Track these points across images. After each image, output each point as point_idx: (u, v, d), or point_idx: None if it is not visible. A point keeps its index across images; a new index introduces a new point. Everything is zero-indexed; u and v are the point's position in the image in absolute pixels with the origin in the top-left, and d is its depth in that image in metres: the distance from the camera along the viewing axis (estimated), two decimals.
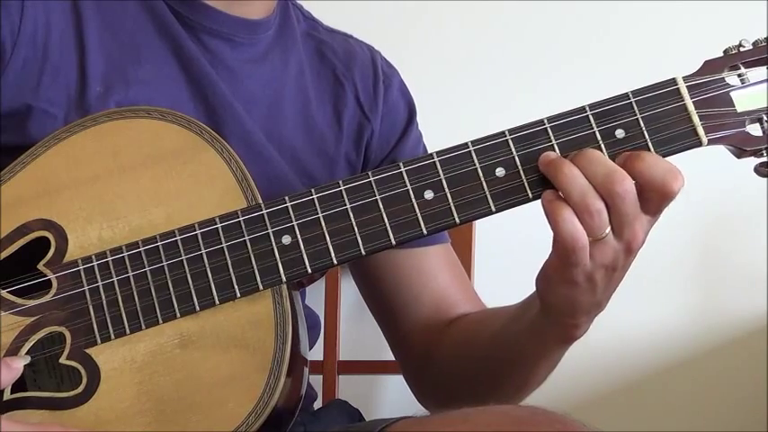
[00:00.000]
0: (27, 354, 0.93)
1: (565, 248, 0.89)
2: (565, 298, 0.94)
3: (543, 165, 0.91)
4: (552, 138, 0.92)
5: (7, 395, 0.91)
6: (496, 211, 0.92)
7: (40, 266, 0.94)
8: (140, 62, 1.06)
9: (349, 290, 1.80)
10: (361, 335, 1.83)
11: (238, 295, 0.92)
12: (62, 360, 0.92)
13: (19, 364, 0.91)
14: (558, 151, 0.92)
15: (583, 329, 0.98)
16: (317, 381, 1.68)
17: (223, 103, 1.08)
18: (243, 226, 0.93)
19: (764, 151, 0.93)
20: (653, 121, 0.92)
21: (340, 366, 1.75)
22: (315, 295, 1.52)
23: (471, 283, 1.23)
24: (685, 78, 0.92)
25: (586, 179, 0.89)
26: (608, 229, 0.89)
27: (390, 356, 1.80)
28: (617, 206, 0.88)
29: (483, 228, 1.75)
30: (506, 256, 1.84)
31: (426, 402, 1.23)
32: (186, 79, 1.08)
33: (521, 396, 1.10)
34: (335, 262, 0.93)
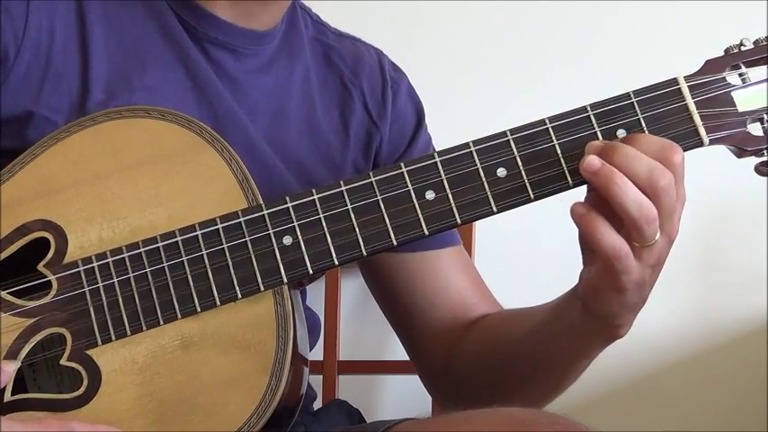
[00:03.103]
0: (27, 355, 0.92)
1: (610, 261, 0.89)
2: (617, 304, 0.93)
3: (589, 173, 0.88)
4: (554, 138, 0.92)
5: (8, 397, 0.91)
6: (498, 212, 0.92)
7: (40, 267, 0.94)
8: (145, 69, 1.05)
9: (349, 290, 1.80)
10: (361, 335, 1.83)
11: (239, 296, 0.92)
12: (63, 361, 0.92)
13: (11, 367, 0.90)
14: (559, 151, 0.92)
15: (627, 327, 0.98)
16: (317, 381, 1.68)
17: (228, 112, 1.08)
18: (244, 226, 0.93)
19: (765, 151, 0.93)
20: (654, 121, 0.91)
21: (340, 366, 1.75)
22: (315, 295, 1.52)
23: (486, 284, 1.22)
24: (687, 78, 0.92)
25: (627, 175, 0.87)
26: (658, 233, 0.89)
27: (390, 356, 1.81)
28: (663, 202, 0.88)
29: (483, 227, 1.75)
30: (506, 256, 1.84)
31: (448, 404, 1.23)
32: (192, 87, 1.07)
33: (551, 397, 1.09)
34: (337, 263, 0.93)
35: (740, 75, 0.93)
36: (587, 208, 0.89)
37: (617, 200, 0.87)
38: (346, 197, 0.93)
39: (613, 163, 0.88)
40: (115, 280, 0.93)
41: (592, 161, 0.89)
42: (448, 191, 0.92)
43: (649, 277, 0.92)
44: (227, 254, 0.92)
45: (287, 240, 0.92)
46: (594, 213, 0.89)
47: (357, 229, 0.92)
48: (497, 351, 1.11)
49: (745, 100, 0.92)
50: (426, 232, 0.92)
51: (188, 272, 0.92)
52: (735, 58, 0.93)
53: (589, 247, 0.91)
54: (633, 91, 0.92)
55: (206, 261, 0.92)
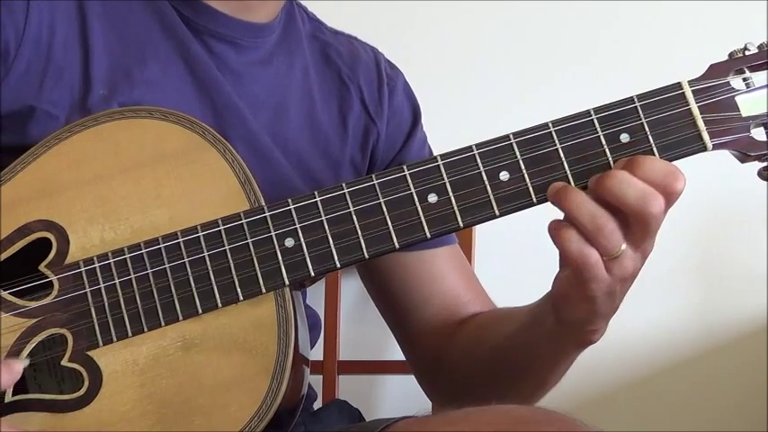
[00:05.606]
0: (29, 356, 0.92)
1: (578, 268, 0.90)
2: (586, 312, 0.94)
3: (551, 195, 0.91)
4: (557, 141, 0.92)
5: (8, 398, 0.91)
6: (500, 216, 0.92)
7: (42, 268, 0.94)
8: (146, 63, 1.05)
9: (349, 290, 1.80)
10: (361, 335, 1.83)
11: (241, 298, 0.92)
12: (64, 362, 0.92)
13: (19, 366, 0.90)
14: (562, 155, 0.91)
15: (600, 333, 0.98)
16: (317, 381, 1.68)
17: (229, 106, 1.08)
18: (246, 228, 0.93)
19: None
20: (658, 126, 0.91)
21: (340, 366, 1.75)
22: (315, 295, 1.52)
23: (480, 283, 1.23)
24: (690, 82, 0.92)
25: (617, 200, 0.88)
26: (623, 246, 0.89)
27: (390, 356, 1.82)
28: (649, 225, 0.89)
29: (483, 229, 1.75)
30: (506, 258, 1.84)
31: (440, 402, 1.23)
32: (192, 81, 1.07)
33: (537, 396, 1.10)
34: (339, 265, 0.92)
35: (744, 79, 0.92)
36: (559, 221, 0.91)
37: (570, 212, 0.89)
38: (348, 199, 0.93)
39: (602, 185, 0.89)
40: (117, 281, 0.93)
41: (554, 185, 0.91)
42: (450, 194, 0.92)
43: (620, 289, 0.93)
44: (229, 255, 0.92)
45: (289, 242, 0.92)
46: (566, 223, 0.90)
47: (359, 232, 0.92)
48: (484, 350, 1.12)
49: (749, 105, 0.92)
50: (428, 235, 0.92)
51: (190, 273, 0.92)
52: (739, 62, 0.93)
53: (560, 254, 0.92)
54: (637, 95, 0.92)
55: (208, 262, 0.92)
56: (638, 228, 0.89)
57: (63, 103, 1.01)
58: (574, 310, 0.95)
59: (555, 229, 0.90)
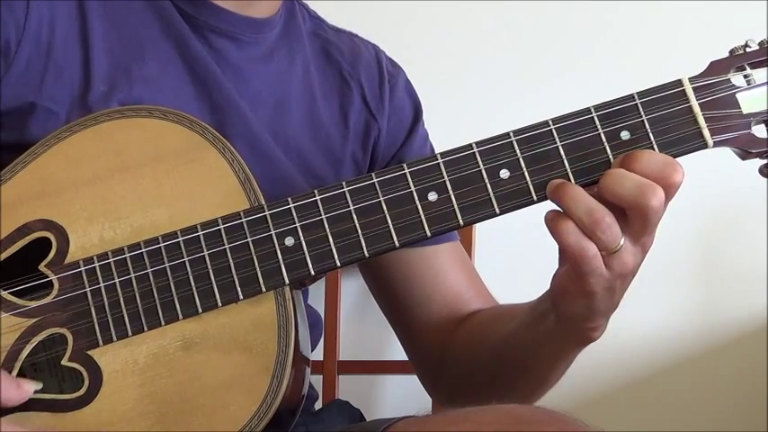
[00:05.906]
0: (29, 355, 0.92)
1: (576, 261, 0.89)
2: (585, 308, 0.94)
3: (550, 192, 0.91)
4: (557, 139, 0.91)
5: None
6: (501, 214, 0.92)
7: (41, 267, 0.94)
8: (145, 60, 1.05)
9: (349, 290, 1.80)
10: (361, 335, 1.83)
11: (241, 297, 0.92)
12: (64, 362, 0.92)
13: (30, 387, 0.90)
14: (562, 152, 0.91)
15: (601, 331, 0.98)
16: (317, 381, 1.68)
17: (229, 103, 1.08)
18: (245, 227, 0.92)
19: None
20: (658, 123, 0.91)
21: (340, 366, 1.75)
22: (315, 295, 1.52)
23: (481, 279, 1.23)
24: (691, 80, 0.92)
25: (613, 196, 0.88)
26: (622, 240, 0.89)
27: (390, 356, 1.82)
28: (649, 219, 0.88)
29: (483, 228, 1.75)
30: (506, 256, 1.84)
31: (442, 400, 1.24)
32: (191, 78, 1.07)
33: (538, 394, 1.10)
34: (339, 264, 0.92)
35: (745, 76, 0.92)
36: (556, 212, 0.91)
37: (567, 206, 0.89)
38: (348, 198, 0.92)
39: (602, 182, 0.89)
40: (116, 280, 0.93)
41: (552, 182, 0.91)
42: (451, 192, 0.92)
43: (619, 285, 0.93)
44: (229, 254, 0.92)
45: (289, 241, 0.92)
46: (563, 214, 0.90)
47: (359, 231, 0.92)
48: (485, 347, 1.12)
49: (749, 102, 0.91)
50: (429, 234, 0.92)
51: (189, 272, 0.92)
52: (739, 59, 0.93)
53: (559, 248, 0.92)
54: (637, 92, 0.92)
55: (207, 262, 0.92)
56: (637, 221, 0.89)
57: (63, 99, 1.01)
58: (572, 306, 0.94)
59: (552, 221, 0.90)
